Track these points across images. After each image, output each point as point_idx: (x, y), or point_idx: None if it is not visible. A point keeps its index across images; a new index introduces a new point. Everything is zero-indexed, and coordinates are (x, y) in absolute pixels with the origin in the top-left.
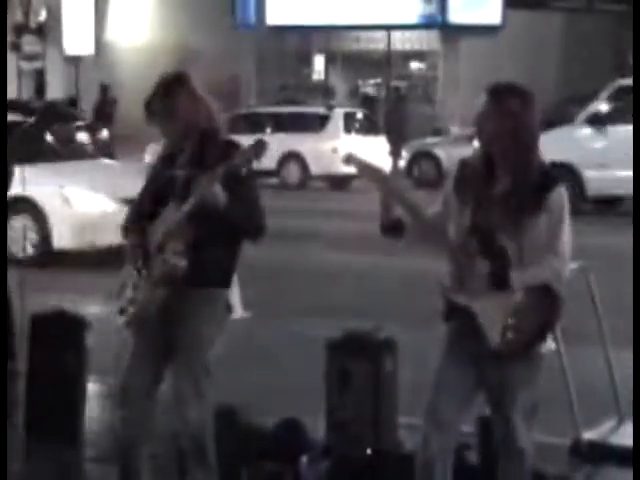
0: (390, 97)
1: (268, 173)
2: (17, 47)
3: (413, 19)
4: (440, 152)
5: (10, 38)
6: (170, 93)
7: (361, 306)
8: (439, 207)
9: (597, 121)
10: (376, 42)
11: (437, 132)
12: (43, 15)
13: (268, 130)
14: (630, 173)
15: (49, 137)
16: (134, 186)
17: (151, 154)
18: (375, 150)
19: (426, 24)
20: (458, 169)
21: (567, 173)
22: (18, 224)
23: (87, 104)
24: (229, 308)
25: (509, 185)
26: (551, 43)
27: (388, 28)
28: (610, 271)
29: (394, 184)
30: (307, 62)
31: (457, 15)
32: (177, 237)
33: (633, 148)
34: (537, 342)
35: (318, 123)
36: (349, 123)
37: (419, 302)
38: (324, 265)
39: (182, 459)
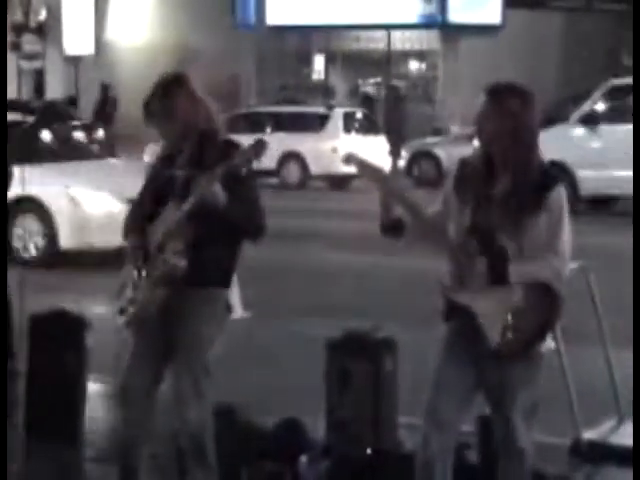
0: (390, 97)
1: (268, 173)
2: (17, 46)
3: (413, 19)
4: (440, 152)
5: (10, 37)
6: (169, 94)
7: (361, 306)
8: (439, 206)
9: (590, 121)
10: (376, 42)
11: (437, 132)
12: (43, 15)
13: (268, 130)
14: (624, 173)
15: (49, 137)
16: (140, 186)
17: (150, 154)
18: (375, 150)
19: (426, 24)
20: (458, 168)
21: (560, 172)
22: (24, 224)
23: (87, 104)
24: (229, 308)
25: (509, 185)
26: (551, 43)
27: (388, 28)
28: (606, 271)
29: (394, 184)
30: (307, 62)
31: (457, 15)
32: (177, 237)
33: (633, 148)
34: (537, 342)
35: (318, 123)
36: (349, 123)
37: (419, 302)
38: (324, 265)
39: (182, 459)
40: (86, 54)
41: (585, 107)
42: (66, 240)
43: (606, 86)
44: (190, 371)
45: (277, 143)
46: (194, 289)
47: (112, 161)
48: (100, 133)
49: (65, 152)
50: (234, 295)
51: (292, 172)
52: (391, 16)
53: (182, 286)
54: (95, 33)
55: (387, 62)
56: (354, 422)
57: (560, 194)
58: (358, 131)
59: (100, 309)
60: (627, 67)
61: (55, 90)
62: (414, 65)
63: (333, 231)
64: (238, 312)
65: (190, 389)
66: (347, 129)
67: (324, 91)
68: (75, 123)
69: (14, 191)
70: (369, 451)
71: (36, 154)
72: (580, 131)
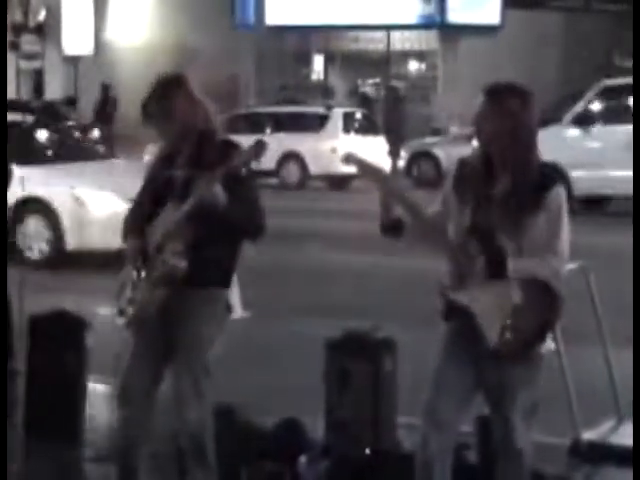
0: (389, 97)
1: (267, 173)
2: (16, 46)
3: (412, 19)
4: (439, 152)
5: (9, 37)
6: (167, 95)
7: (361, 306)
8: (439, 207)
9: (583, 121)
10: (375, 42)
11: (435, 132)
12: (42, 15)
13: (267, 130)
14: (617, 173)
15: (45, 137)
16: None
17: (150, 154)
18: (374, 150)
19: (425, 24)
20: (457, 168)
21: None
22: (30, 225)
23: (86, 104)
24: (229, 308)
25: (508, 184)
26: (550, 43)
27: (387, 28)
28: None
29: (394, 183)
30: (306, 62)
31: (456, 15)
32: (176, 238)
33: (633, 148)
34: (536, 342)
35: (317, 123)
36: (348, 123)
37: (419, 302)
38: (324, 265)
39: (182, 459)
40: (85, 54)
41: (577, 108)
42: (72, 241)
43: (598, 87)
44: (190, 371)
45: (277, 143)
46: (194, 289)
47: (117, 161)
48: (95, 133)
49: (68, 153)
50: (234, 295)
51: (292, 172)
52: (390, 16)
53: (182, 287)
54: (94, 33)
55: (386, 62)
56: (353, 422)
57: (559, 194)
58: (357, 131)
59: (105, 310)
60: (619, 67)
61: (54, 90)
62: (413, 65)
63: (333, 231)
64: (238, 312)
65: (190, 389)
66: (346, 129)
67: (323, 91)
68: (70, 123)
69: (19, 192)
70: (368, 451)
71: (35, 154)
72: (573, 132)
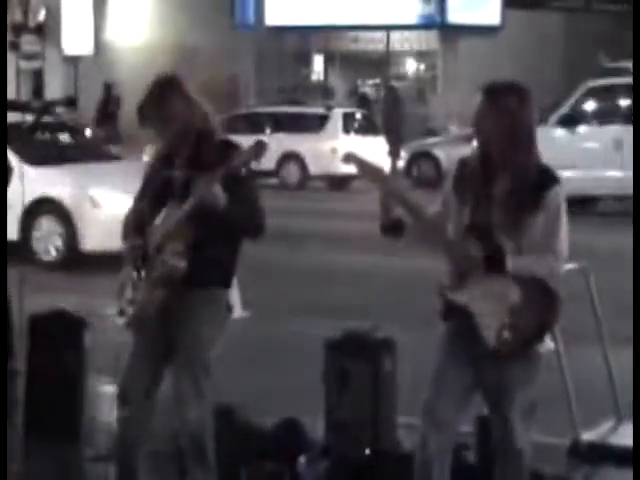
0: (388, 97)
1: (267, 173)
2: (16, 47)
3: (412, 19)
4: (439, 152)
5: (9, 37)
6: (162, 96)
7: (361, 306)
8: (439, 207)
9: (568, 122)
10: (375, 42)
11: (431, 132)
12: (42, 15)
13: (267, 130)
14: (604, 173)
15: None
16: None
17: (148, 155)
18: (374, 150)
19: (425, 24)
20: (457, 168)
21: None
22: (44, 226)
23: (86, 104)
24: (229, 308)
25: (508, 184)
26: (550, 43)
27: (387, 28)
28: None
29: (394, 184)
30: (306, 62)
31: (456, 15)
32: (176, 238)
33: (633, 148)
34: (535, 341)
35: (317, 123)
36: (348, 123)
37: (419, 302)
38: (324, 265)
39: (182, 459)
40: (85, 54)
41: (563, 109)
42: (86, 241)
43: (583, 88)
44: (190, 371)
45: (276, 144)
46: (194, 290)
47: (129, 162)
48: (87, 133)
49: (81, 153)
50: (234, 295)
51: (291, 172)
52: (390, 17)
53: (182, 287)
54: (94, 33)
55: (386, 63)
56: (353, 422)
57: (558, 193)
58: (357, 132)
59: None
60: (604, 68)
61: (54, 90)
62: (413, 66)
63: (333, 231)
64: (237, 312)
65: (190, 389)
66: (346, 129)
67: (323, 92)
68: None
69: (34, 192)
70: (368, 451)
71: (48, 154)
72: (560, 132)
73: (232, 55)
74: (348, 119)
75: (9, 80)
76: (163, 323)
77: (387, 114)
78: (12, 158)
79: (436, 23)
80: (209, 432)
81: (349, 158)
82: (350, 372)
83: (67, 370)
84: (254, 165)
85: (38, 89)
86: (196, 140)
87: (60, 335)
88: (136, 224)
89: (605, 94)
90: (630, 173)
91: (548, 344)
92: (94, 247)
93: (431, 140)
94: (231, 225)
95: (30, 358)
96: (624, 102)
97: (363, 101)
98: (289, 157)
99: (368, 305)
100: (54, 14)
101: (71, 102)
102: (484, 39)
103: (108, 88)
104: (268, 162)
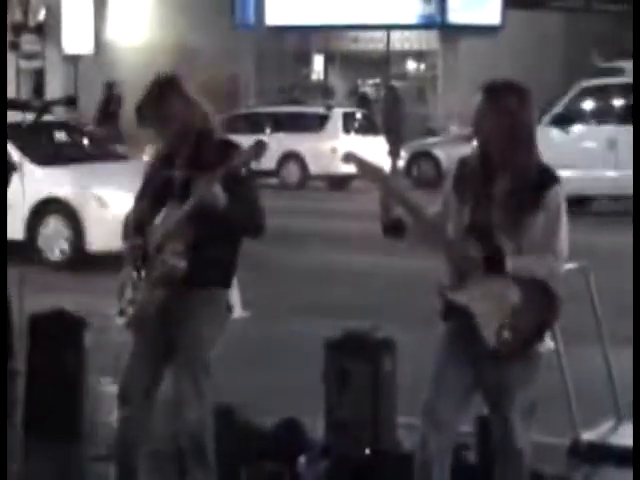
0: (388, 97)
1: (267, 173)
2: (16, 46)
3: (412, 19)
4: (439, 152)
5: (9, 37)
6: (161, 96)
7: (361, 306)
8: (439, 207)
9: (561, 122)
10: (375, 42)
11: (430, 132)
12: (42, 14)
13: (267, 130)
14: (598, 173)
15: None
16: None
17: (148, 155)
18: (374, 150)
19: (425, 24)
20: (457, 168)
21: None
22: (51, 226)
23: (86, 103)
24: (229, 308)
25: (507, 184)
26: (550, 43)
27: (387, 28)
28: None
29: (394, 183)
30: (306, 62)
31: (456, 15)
32: (176, 238)
33: (633, 148)
34: (534, 341)
35: (317, 123)
36: (348, 123)
37: (419, 302)
38: (324, 265)
39: (182, 459)
40: (85, 54)
41: (556, 109)
42: (93, 241)
43: (576, 88)
44: (190, 372)
45: (276, 143)
46: (194, 290)
47: (137, 162)
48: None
49: (87, 153)
50: (234, 295)
51: (292, 172)
52: (390, 16)
53: (182, 287)
54: (94, 33)
55: (386, 62)
56: (353, 422)
57: (558, 193)
58: (357, 131)
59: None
60: (597, 68)
61: (54, 90)
62: (413, 65)
63: (333, 231)
64: (237, 311)
65: (190, 389)
66: (346, 129)
67: (323, 91)
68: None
69: (41, 192)
70: (368, 451)
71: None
72: (553, 132)
73: (232, 55)
74: (348, 119)
75: (9, 80)
76: (163, 323)
77: (387, 114)
78: (19, 158)
79: (436, 23)
80: (209, 432)
81: (349, 158)
82: (350, 372)
83: (67, 370)
84: (254, 165)
85: (38, 88)
86: (196, 140)
87: (60, 335)
88: (136, 224)
89: (599, 94)
90: (624, 173)
91: (548, 344)
92: (101, 247)
93: (431, 140)
94: (231, 225)
95: (30, 358)
96: (618, 102)
97: (363, 101)
98: (289, 157)
99: (368, 305)
100: (54, 13)
101: (71, 101)
102: (484, 39)
103: (110, 87)
104: (268, 162)
